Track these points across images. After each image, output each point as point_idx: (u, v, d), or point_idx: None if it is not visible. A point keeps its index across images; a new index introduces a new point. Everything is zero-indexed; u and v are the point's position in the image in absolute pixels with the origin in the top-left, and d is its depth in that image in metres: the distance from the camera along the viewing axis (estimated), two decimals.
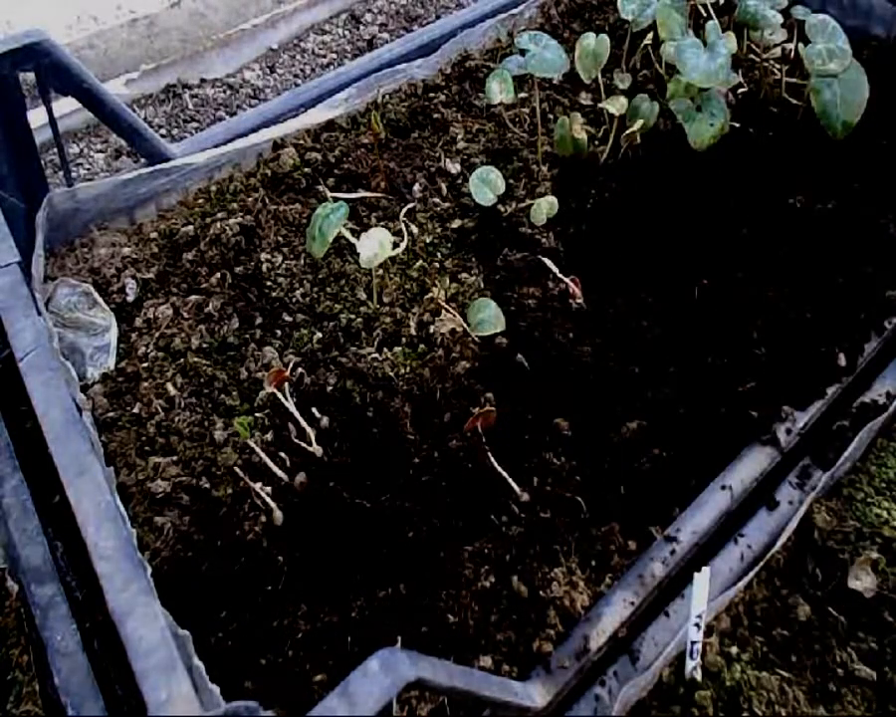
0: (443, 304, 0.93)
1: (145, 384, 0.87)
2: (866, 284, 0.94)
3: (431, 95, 1.24)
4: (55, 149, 1.08)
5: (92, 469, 0.56)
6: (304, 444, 0.80)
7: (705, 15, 1.17)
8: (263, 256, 1.00)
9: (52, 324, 0.74)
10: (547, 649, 0.65)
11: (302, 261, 1.00)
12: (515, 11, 1.34)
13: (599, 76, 1.13)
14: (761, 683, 0.68)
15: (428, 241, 1.02)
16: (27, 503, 0.70)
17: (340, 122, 1.19)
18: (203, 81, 1.63)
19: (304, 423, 0.81)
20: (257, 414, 0.84)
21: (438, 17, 1.79)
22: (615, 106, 1.08)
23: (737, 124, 1.12)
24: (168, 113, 1.55)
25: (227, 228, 1.02)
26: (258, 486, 0.75)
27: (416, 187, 1.09)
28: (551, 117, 1.18)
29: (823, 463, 0.80)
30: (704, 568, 0.64)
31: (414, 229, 1.03)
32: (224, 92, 1.61)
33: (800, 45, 1.06)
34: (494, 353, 0.89)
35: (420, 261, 1.00)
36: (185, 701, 0.44)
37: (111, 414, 0.84)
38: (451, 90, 1.25)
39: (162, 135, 1.37)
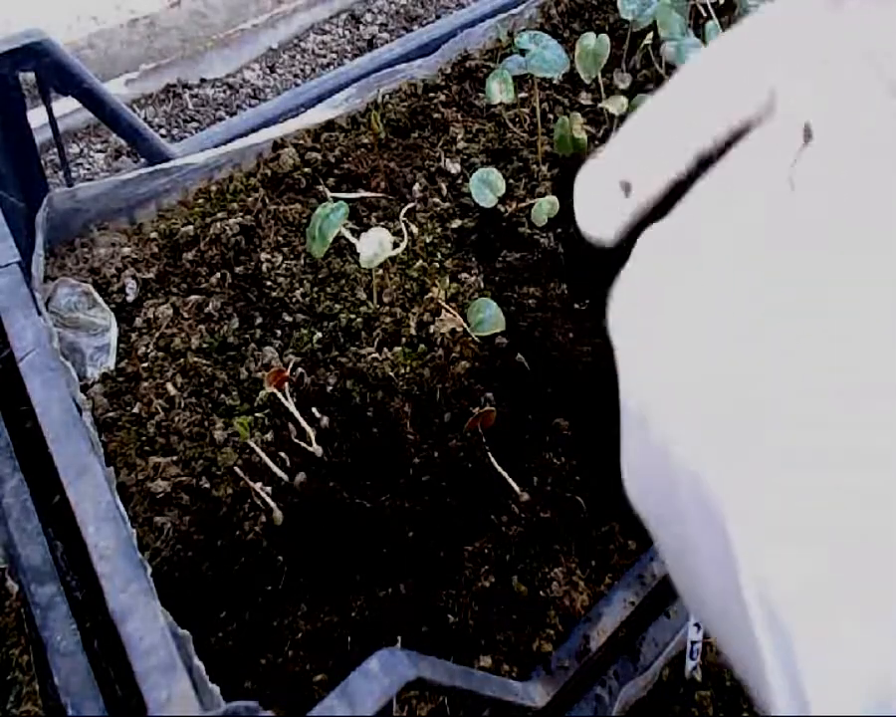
0: (443, 304, 0.93)
1: (145, 384, 0.87)
2: None
3: (431, 95, 1.24)
4: (55, 149, 1.08)
5: (92, 469, 0.56)
6: (304, 444, 0.80)
7: (705, 15, 1.18)
8: (263, 256, 1.00)
9: (52, 324, 0.74)
10: (547, 649, 0.66)
11: (302, 261, 1.00)
12: (515, 11, 1.34)
13: (599, 76, 1.13)
14: None
15: (428, 241, 1.02)
16: (27, 503, 0.70)
17: (340, 122, 1.19)
18: (203, 81, 1.63)
19: (304, 423, 0.81)
20: (257, 414, 0.84)
21: (438, 17, 1.79)
22: (615, 106, 1.08)
23: None
24: (168, 113, 1.55)
25: (227, 228, 1.02)
26: (258, 486, 0.75)
27: (416, 187, 1.09)
28: (551, 117, 1.18)
29: None
30: None
31: (414, 229, 1.03)
32: (224, 92, 1.61)
33: None
34: (494, 353, 0.89)
35: (420, 261, 1.00)
36: (185, 701, 0.44)
37: (111, 414, 0.84)
38: (451, 90, 1.25)
39: (162, 135, 1.37)
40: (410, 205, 1.05)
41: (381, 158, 1.12)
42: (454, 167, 1.12)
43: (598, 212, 0.30)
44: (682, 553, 0.24)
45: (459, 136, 1.17)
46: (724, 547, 0.21)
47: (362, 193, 1.08)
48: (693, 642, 0.66)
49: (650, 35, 1.19)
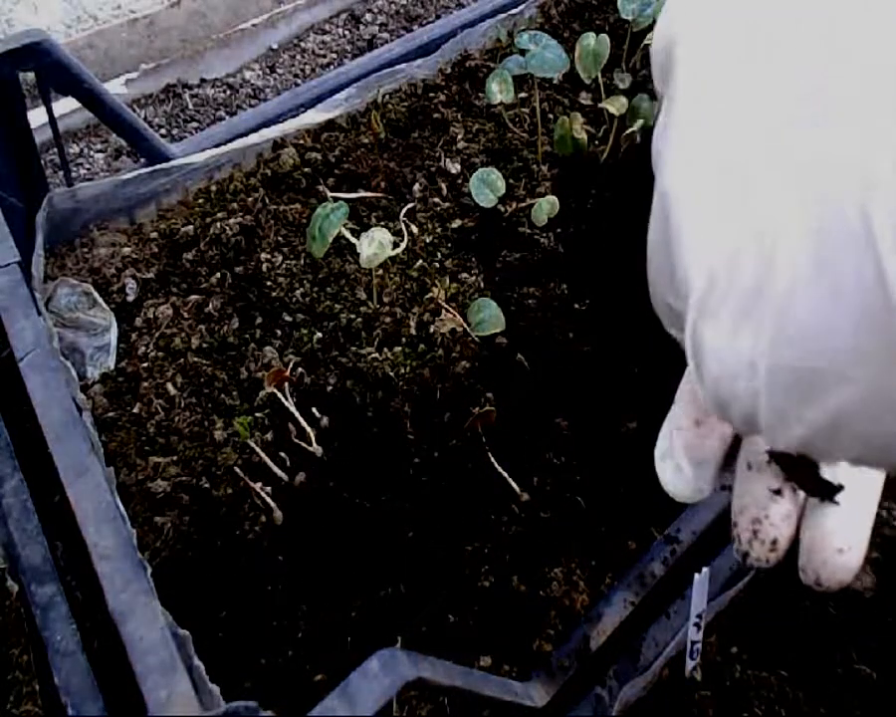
0: (443, 304, 0.93)
1: (145, 384, 0.87)
2: None
3: (431, 95, 1.24)
4: (55, 149, 1.08)
5: (92, 469, 0.56)
6: (304, 444, 0.80)
7: None
8: (263, 256, 1.00)
9: (52, 324, 0.74)
10: (547, 649, 0.65)
11: (302, 261, 1.00)
12: (515, 11, 1.34)
13: (599, 76, 1.13)
14: (761, 683, 0.68)
15: (428, 241, 1.02)
16: (27, 503, 0.70)
17: (341, 122, 1.19)
18: (203, 81, 1.63)
19: (304, 423, 0.81)
20: (257, 414, 0.84)
21: (438, 17, 1.79)
22: (615, 106, 1.08)
23: None
24: (168, 113, 1.55)
25: (227, 228, 1.02)
26: (258, 486, 0.75)
27: (416, 187, 1.09)
28: (551, 116, 1.18)
29: None
30: (704, 568, 0.64)
31: (414, 229, 1.03)
32: (224, 92, 1.61)
33: None
34: (494, 352, 0.89)
35: (420, 261, 1.00)
36: (185, 701, 0.44)
37: (110, 414, 0.84)
38: (451, 90, 1.25)
39: (162, 135, 1.37)
40: (410, 205, 1.05)
41: (381, 158, 1.12)
42: (454, 167, 1.12)
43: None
44: None
45: (459, 136, 1.17)
46: None
47: (362, 193, 1.08)
48: (693, 642, 0.66)
49: (650, 35, 1.19)
